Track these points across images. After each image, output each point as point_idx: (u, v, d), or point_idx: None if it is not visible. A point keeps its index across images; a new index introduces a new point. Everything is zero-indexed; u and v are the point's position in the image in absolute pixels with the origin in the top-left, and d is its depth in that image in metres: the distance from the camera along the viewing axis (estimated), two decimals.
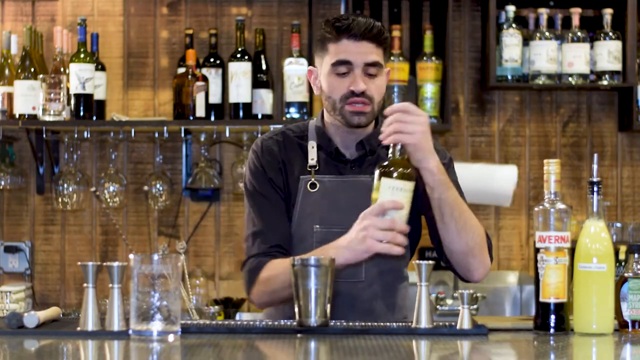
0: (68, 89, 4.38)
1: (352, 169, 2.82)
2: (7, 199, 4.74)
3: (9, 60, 4.49)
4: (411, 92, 4.66)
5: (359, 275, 2.75)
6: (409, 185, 2.54)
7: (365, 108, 2.75)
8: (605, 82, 4.57)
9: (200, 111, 4.44)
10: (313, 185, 2.80)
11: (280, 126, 2.94)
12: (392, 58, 4.59)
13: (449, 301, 4.43)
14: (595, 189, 2.45)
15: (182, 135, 4.56)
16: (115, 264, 2.35)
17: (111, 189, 4.58)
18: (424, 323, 2.42)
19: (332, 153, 2.83)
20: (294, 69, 4.50)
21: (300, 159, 2.84)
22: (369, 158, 2.82)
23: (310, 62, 4.62)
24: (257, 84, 4.52)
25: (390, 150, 2.58)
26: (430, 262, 2.45)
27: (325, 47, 2.79)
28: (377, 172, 2.55)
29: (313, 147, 2.83)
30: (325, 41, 2.79)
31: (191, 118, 4.43)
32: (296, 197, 2.81)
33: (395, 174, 2.53)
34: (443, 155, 2.86)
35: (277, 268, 2.72)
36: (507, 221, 4.81)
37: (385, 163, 2.55)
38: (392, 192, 2.52)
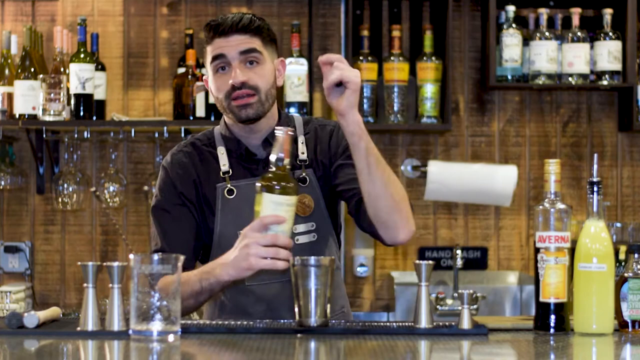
0: (68, 89, 4.38)
1: (265, 168, 2.74)
2: (7, 199, 4.74)
3: (9, 60, 4.49)
4: (411, 92, 4.66)
5: (287, 274, 2.59)
6: (292, 200, 2.49)
7: (249, 99, 2.72)
8: (605, 82, 4.57)
9: (200, 111, 4.44)
10: (230, 192, 2.78)
11: (189, 136, 2.93)
12: (392, 58, 4.60)
13: (449, 301, 4.43)
14: (595, 189, 2.45)
15: (182, 135, 4.55)
16: (115, 264, 2.35)
17: (111, 189, 4.58)
18: (424, 323, 2.42)
19: (242, 155, 2.81)
20: (294, 69, 4.50)
21: (213, 167, 2.81)
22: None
23: (311, 62, 4.62)
24: None
25: (272, 163, 2.51)
26: (430, 262, 2.44)
27: (205, 51, 2.79)
28: (258, 186, 2.50)
29: (223, 153, 2.81)
30: (205, 47, 2.79)
31: (191, 118, 4.43)
32: (215, 206, 2.78)
33: (277, 189, 2.48)
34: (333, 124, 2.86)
35: (166, 281, 2.72)
36: (507, 221, 4.81)
37: (267, 176, 2.49)
38: (274, 207, 2.48)
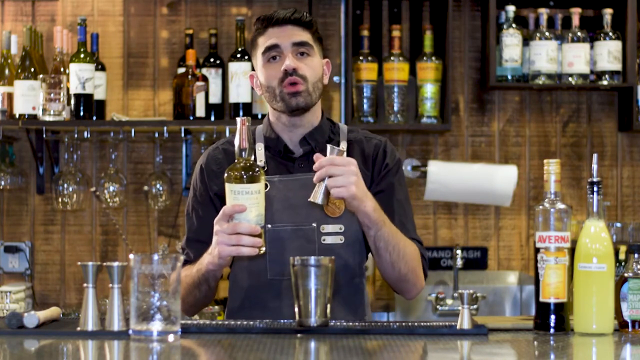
0: (68, 89, 4.38)
1: (301, 166, 2.84)
2: (7, 199, 4.74)
3: (9, 60, 4.49)
4: (411, 92, 4.66)
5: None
6: (253, 187, 2.56)
7: (299, 87, 2.78)
8: (605, 82, 4.57)
9: (200, 111, 4.44)
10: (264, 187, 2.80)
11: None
12: (392, 58, 4.60)
13: (449, 301, 4.43)
14: (595, 189, 2.45)
15: (182, 135, 4.55)
16: (115, 264, 2.35)
17: (111, 189, 4.58)
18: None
19: (280, 152, 2.87)
20: None
21: None
22: (317, 154, 2.80)
23: None
24: None
25: (236, 156, 2.57)
26: None
27: (256, 43, 2.86)
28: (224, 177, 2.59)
29: (260, 149, 2.86)
30: (255, 38, 2.86)
31: (191, 118, 4.43)
32: None
33: (235, 178, 2.55)
34: (392, 157, 2.89)
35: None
36: (507, 221, 4.81)
37: (230, 167, 2.57)
38: (234, 196, 2.56)
